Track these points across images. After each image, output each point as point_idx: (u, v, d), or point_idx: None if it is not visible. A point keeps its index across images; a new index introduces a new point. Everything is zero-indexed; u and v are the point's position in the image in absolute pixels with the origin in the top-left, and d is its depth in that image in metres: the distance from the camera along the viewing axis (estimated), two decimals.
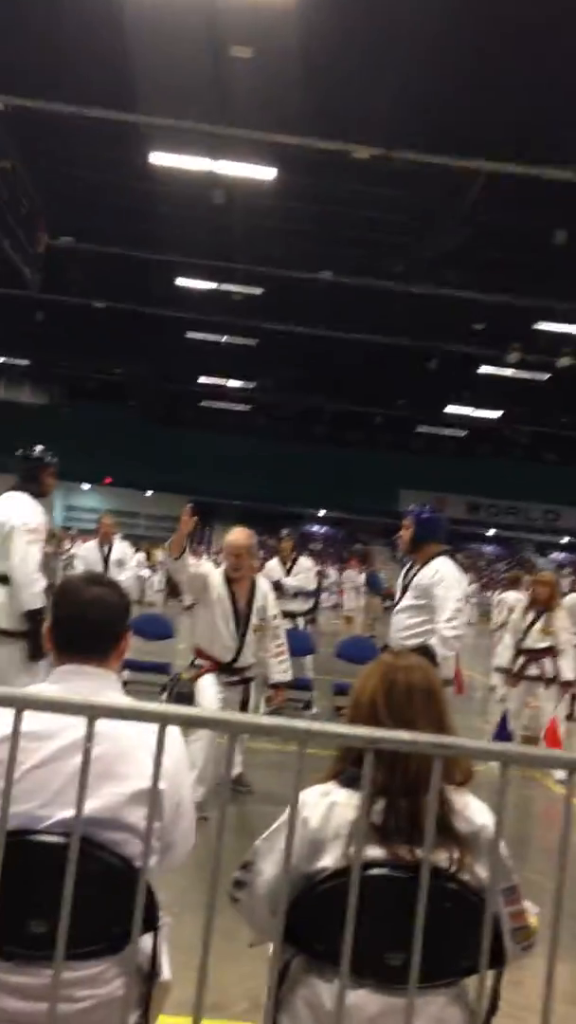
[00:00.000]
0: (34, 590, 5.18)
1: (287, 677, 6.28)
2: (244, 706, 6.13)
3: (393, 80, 12.08)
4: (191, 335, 27.11)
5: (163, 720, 1.70)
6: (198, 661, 6.02)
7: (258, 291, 21.49)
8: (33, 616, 5.13)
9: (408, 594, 5.55)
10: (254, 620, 5.95)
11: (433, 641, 5.30)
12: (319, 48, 11.46)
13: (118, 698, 2.12)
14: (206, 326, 25.88)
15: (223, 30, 11.12)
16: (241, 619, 5.90)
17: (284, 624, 6.57)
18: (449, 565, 5.57)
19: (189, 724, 1.76)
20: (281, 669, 6.19)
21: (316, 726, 1.76)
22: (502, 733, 7.67)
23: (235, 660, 5.94)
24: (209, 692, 5.84)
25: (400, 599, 5.63)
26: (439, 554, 5.62)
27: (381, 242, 18.47)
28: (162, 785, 1.96)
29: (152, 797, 1.71)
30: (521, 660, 8.03)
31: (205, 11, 10.70)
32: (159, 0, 10.50)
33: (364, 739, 1.76)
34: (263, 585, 6.22)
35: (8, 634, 5.24)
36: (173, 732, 2.09)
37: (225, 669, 5.95)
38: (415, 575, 5.58)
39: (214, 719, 1.80)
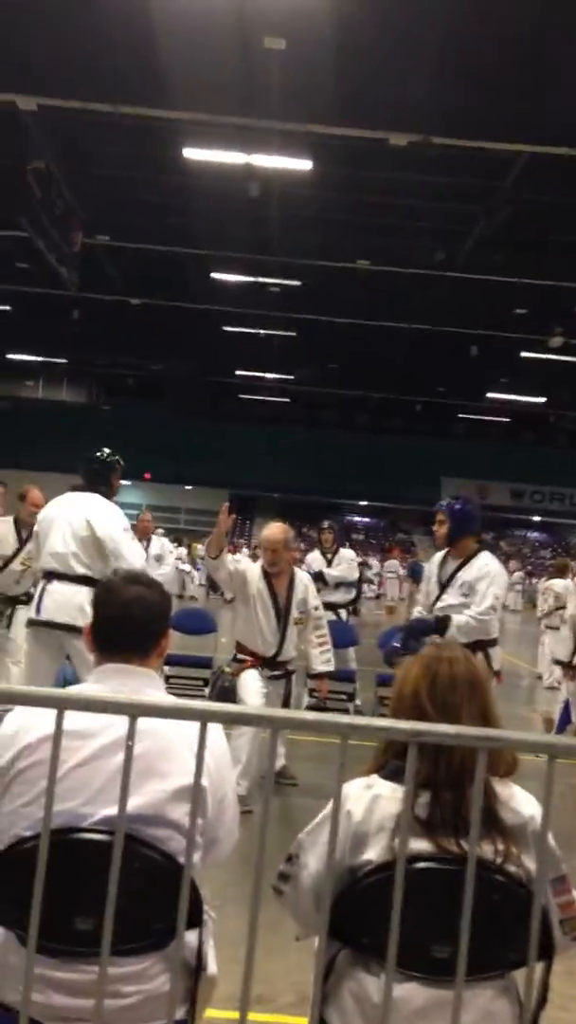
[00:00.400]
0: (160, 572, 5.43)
1: (330, 667, 6.30)
2: (287, 699, 6.14)
3: (428, 65, 11.96)
4: (228, 329, 27.16)
5: (204, 717, 1.70)
6: (240, 656, 6.05)
7: (296, 283, 21.45)
8: None
9: (451, 591, 5.52)
10: (295, 613, 5.98)
11: (456, 618, 5.36)
12: (352, 36, 11.37)
13: (160, 696, 2.13)
14: (244, 319, 25.93)
15: (254, 22, 11.07)
16: (281, 613, 5.93)
17: (326, 615, 6.57)
18: (494, 561, 5.62)
19: (230, 721, 1.75)
20: (323, 660, 6.21)
21: (358, 720, 1.75)
22: (564, 722, 7.64)
23: (277, 654, 5.97)
24: (252, 687, 5.87)
25: (440, 595, 5.57)
26: (479, 549, 5.64)
27: (420, 229, 18.33)
28: (204, 782, 1.96)
29: (194, 793, 1.71)
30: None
31: (236, 3, 10.66)
32: None
33: (407, 732, 1.75)
34: (302, 578, 6.24)
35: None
36: (215, 729, 2.09)
37: (267, 663, 5.98)
38: (457, 571, 5.55)
39: (256, 715, 1.80)
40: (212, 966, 2.15)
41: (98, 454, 5.91)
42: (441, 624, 5.40)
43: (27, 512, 7.11)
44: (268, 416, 41.49)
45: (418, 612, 5.92)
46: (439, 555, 5.81)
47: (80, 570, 5.41)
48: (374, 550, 40.27)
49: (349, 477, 40.65)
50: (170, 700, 2.09)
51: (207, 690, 8.18)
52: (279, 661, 6.00)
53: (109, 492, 5.77)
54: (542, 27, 11.11)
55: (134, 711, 1.65)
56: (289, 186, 16.05)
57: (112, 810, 1.77)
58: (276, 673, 6.03)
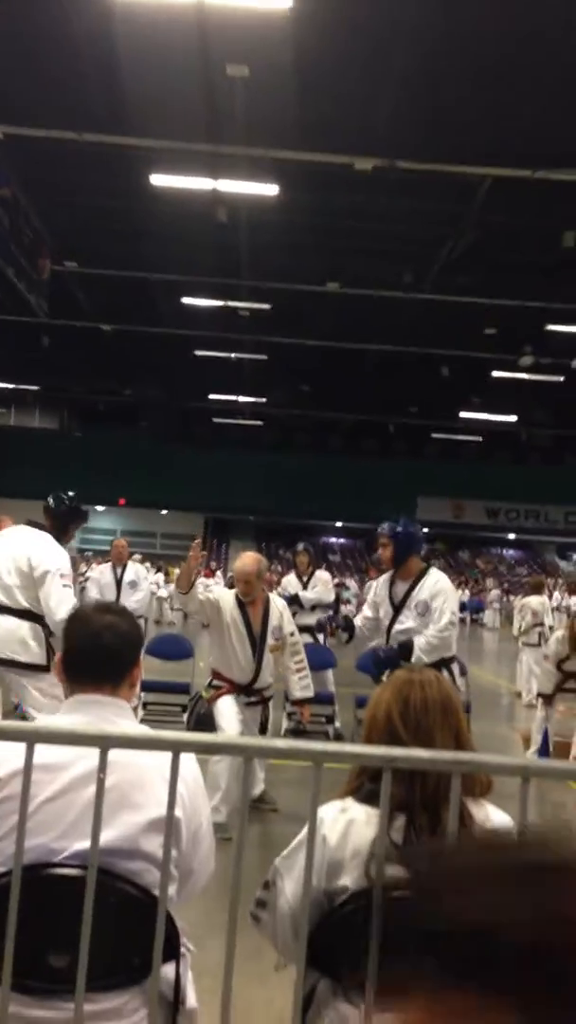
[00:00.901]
0: None
1: (309, 694, 6.23)
2: (264, 725, 6.10)
3: (392, 90, 12.12)
4: (200, 353, 27.24)
5: (176, 748, 1.69)
6: (216, 683, 6.01)
7: (266, 306, 21.55)
8: None
9: (407, 613, 5.58)
10: (270, 640, 5.92)
11: (417, 640, 5.41)
12: (314, 62, 11.51)
13: (131, 727, 2.11)
14: (215, 343, 26.01)
15: (217, 50, 11.18)
16: (256, 641, 5.89)
17: (302, 640, 6.46)
18: (444, 578, 5.70)
19: (203, 751, 1.74)
20: (302, 686, 6.14)
21: (332, 747, 1.76)
22: (544, 751, 7.70)
23: (253, 682, 5.93)
24: (228, 713, 5.83)
25: (396, 617, 5.61)
26: (426, 568, 5.72)
27: (387, 251, 18.49)
28: (178, 813, 1.94)
29: (168, 825, 1.70)
30: (558, 679, 8.12)
31: (197, 32, 10.75)
32: (151, 23, 10.55)
33: (382, 758, 1.75)
34: (277, 604, 6.19)
35: (30, 667, 5.35)
36: (188, 759, 2.07)
37: (243, 691, 5.94)
38: (409, 592, 5.61)
39: (229, 744, 1.79)
40: (191, 999, 2.12)
41: (65, 497, 5.85)
42: (404, 651, 5.45)
43: None
44: (242, 439, 41.56)
45: (376, 642, 5.92)
46: (384, 578, 5.86)
47: (24, 603, 5.38)
48: (351, 571, 40.30)
49: (324, 499, 40.72)
50: (142, 731, 2.07)
51: (185, 716, 8.13)
52: (255, 689, 5.95)
53: (64, 539, 5.74)
54: (504, 52, 11.29)
55: (105, 743, 1.64)
56: (256, 211, 16.15)
57: (85, 844, 1.75)
58: (252, 700, 5.98)
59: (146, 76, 11.80)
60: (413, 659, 5.36)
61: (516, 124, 12.78)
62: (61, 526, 5.76)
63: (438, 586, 5.56)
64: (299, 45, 10.99)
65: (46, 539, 5.58)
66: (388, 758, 1.73)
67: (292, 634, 6.11)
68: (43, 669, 5.34)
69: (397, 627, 5.58)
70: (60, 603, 5.30)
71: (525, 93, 12.10)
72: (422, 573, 5.65)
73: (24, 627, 5.33)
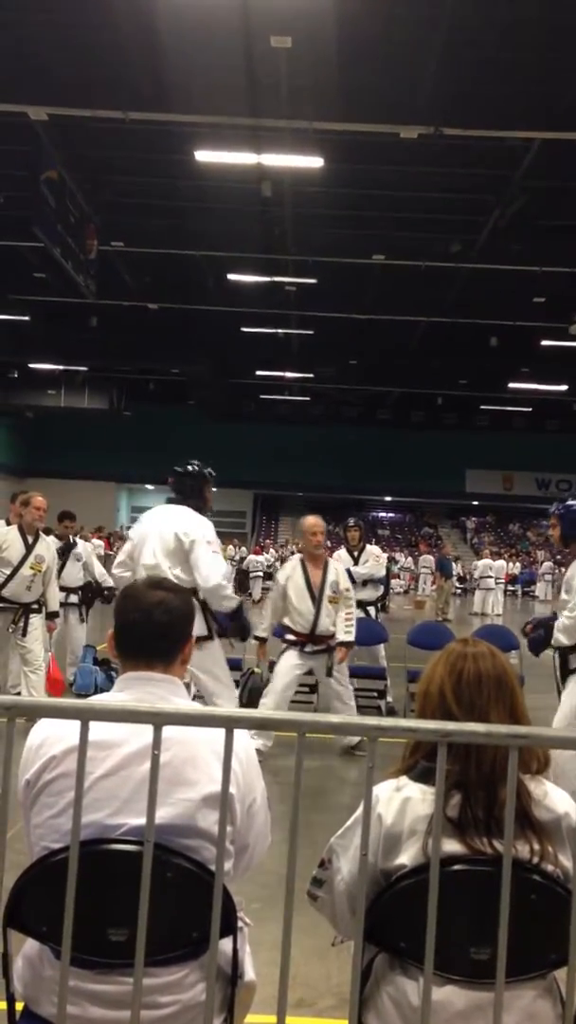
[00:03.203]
0: (227, 593, 5.57)
1: (350, 638, 7.09)
2: (330, 669, 6.99)
3: (435, 56, 11.90)
4: (246, 330, 27.16)
5: (230, 724, 1.68)
6: (287, 637, 7.02)
7: (312, 281, 21.40)
8: (236, 614, 5.64)
9: (563, 592, 5.58)
10: (328, 592, 6.90)
11: (557, 621, 5.45)
12: (357, 31, 11.33)
13: (184, 703, 2.11)
14: (262, 319, 25.90)
15: (260, 21, 11.05)
16: (316, 595, 6.88)
17: (356, 613, 7.36)
18: None
19: (256, 727, 1.74)
20: (345, 629, 7.01)
21: (386, 722, 1.73)
22: None
23: (313, 629, 6.88)
24: (281, 672, 6.89)
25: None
26: None
27: (434, 221, 18.24)
28: (232, 789, 1.94)
29: (223, 801, 1.70)
30: None
31: (240, 3, 10.64)
32: None
33: (436, 732, 1.73)
34: (335, 564, 7.21)
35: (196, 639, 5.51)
36: (241, 734, 2.07)
37: (307, 640, 6.91)
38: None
39: (282, 720, 1.78)
40: (249, 972, 2.14)
41: (189, 467, 6.05)
42: (549, 632, 5.52)
43: (31, 517, 7.22)
44: (290, 415, 41.46)
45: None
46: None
47: (179, 578, 5.45)
48: (400, 545, 40.17)
49: (373, 473, 40.57)
50: (195, 707, 2.08)
51: (238, 691, 8.17)
52: (317, 636, 6.90)
53: (202, 505, 5.92)
54: (548, 11, 11.02)
55: (159, 720, 1.64)
56: (301, 184, 16.02)
57: (141, 820, 1.76)
58: (318, 648, 6.95)
59: (189, 51, 11.70)
60: (553, 641, 5.43)
61: (562, 86, 12.49)
62: (194, 493, 5.94)
63: None
64: (341, 14, 10.83)
65: (187, 512, 5.77)
66: (443, 732, 1.70)
67: (348, 589, 7.12)
68: (206, 639, 5.57)
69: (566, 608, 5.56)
70: (211, 570, 5.48)
71: (571, 54, 11.81)
72: None
73: None
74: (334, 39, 11.33)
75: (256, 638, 7.08)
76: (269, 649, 7.20)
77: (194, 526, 5.62)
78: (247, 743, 2.13)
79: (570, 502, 5.68)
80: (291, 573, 7.00)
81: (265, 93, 12.64)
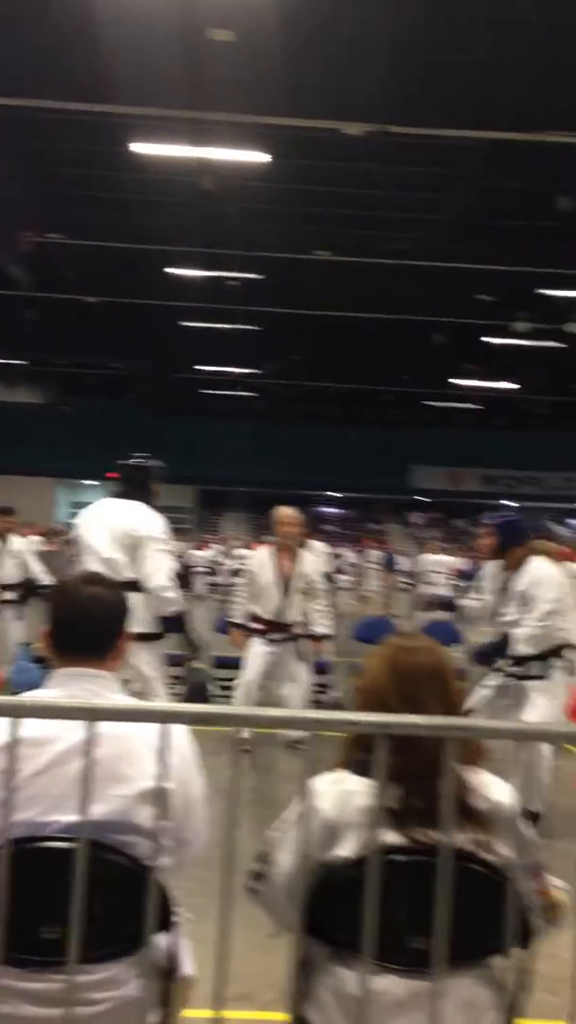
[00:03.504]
0: (170, 595, 5.35)
1: (327, 631, 7.20)
2: (301, 655, 7.14)
3: (381, 54, 11.95)
4: (190, 324, 27.03)
5: (165, 719, 1.67)
6: (252, 625, 7.11)
7: (257, 276, 21.37)
8: (176, 620, 5.41)
9: (512, 604, 5.57)
10: (299, 584, 7.03)
11: (516, 632, 5.45)
12: (301, 25, 11.34)
13: (119, 699, 2.08)
14: (205, 314, 25.83)
15: (201, 14, 11.01)
16: (284, 584, 7.01)
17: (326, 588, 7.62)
18: (543, 566, 5.63)
19: (193, 722, 1.73)
20: (322, 623, 7.12)
21: (325, 715, 1.74)
22: None
23: (281, 618, 7.01)
24: (252, 659, 7.01)
25: (502, 608, 5.63)
26: (527, 558, 5.66)
27: (379, 218, 18.34)
28: (169, 784, 1.93)
29: (158, 796, 1.68)
30: None
31: None
32: None
33: (374, 725, 1.73)
34: (308, 555, 7.31)
35: (145, 637, 5.28)
36: (179, 729, 2.05)
37: (272, 628, 7.02)
38: (512, 583, 5.59)
39: (220, 714, 1.77)
40: (187, 967, 2.12)
41: (133, 460, 5.84)
42: (501, 645, 5.53)
43: None
44: (235, 411, 41.42)
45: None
46: (496, 564, 5.84)
47: (127, 573, 5.28)
48: (346, 541, 40.33)
49: (318, 469, 40.64)
50: (131, 702, 2.05)
51: (179, 687, 8.13)
52: (284, 624, 7.03)
53: (151, 499, 5.72)
54: (495, 13, 11.13)
55: (93, 716, 1.62)
56: (245, 179, 15.98)
57: (74, 817, 1.73)
58: (284, 636, 7.05)
59: (128, 42, 11.61)
60: (511, 651, 5.46)
61: (508, 86, 12.63)
62: (143, 487, 5.72)
63: (537, 576, 5.52)
64: (284, 8, 10.82)
65: (139, 506, 5.57)
66: (381, 724, 1.70)
67: (319, 581, 7.25)
68: (155, 637, 5.39)
69: (503, 619, 5.60)
70: (155, 568, 5.32)
71: (517, 55, 11.95)
72: (524, 564, 5.61)
73: (132, 599, 5.27)
74: (277, 34, 11.31)
75: (231, 623, 7.22)
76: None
77: (147, 521, 5.47)
78: (184, 737, 2.11)
79: (506, 514, 5.82)
80: (263, 563, 7.14)
81: (207, 86, 12.59)
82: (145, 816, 1.88)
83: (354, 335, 28.08)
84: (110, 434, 38.14)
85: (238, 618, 7.14)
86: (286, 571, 7.04)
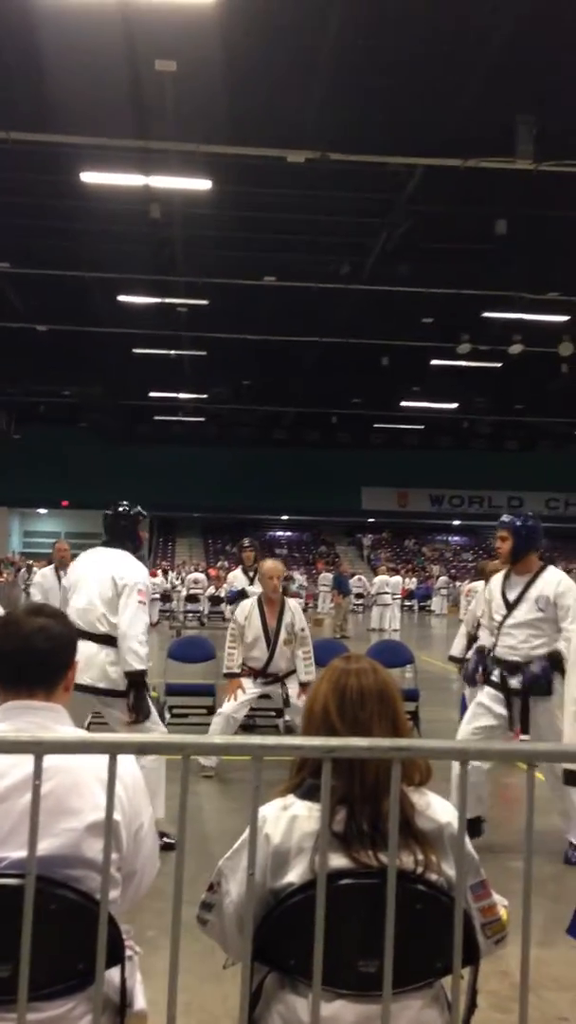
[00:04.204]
0: (139, 652, 5.23)
1: (311, 678, 7.13)
2: (287, 699, 7.28)
3: (321, 83, 12.14)
4: (139, 351, 27.03)
5: (112, 750, 1.67)
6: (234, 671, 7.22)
7: (204, 302, 21.46)
8: (136, 678, 5.24)
9: (523, 607, 5.45)
10: (284, 635, 7.12)
11: (560, 645, 5.31)
12: (242, 56, 11.49)
13: (66, 731, 2.08)
14: (154, 341, 25.85)
15: (144, 45, 11.10)
16: (271, 636, 7.13)
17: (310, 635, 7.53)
18: (563, 574, 5.57)
19: (140, 751, 1.73)
20: (306, 671, 7.19)
21: (270, 740, 1.75)
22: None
23: (266, 667, 7.18)
24: (230, 702, 7.06)
25: (510, 612, 5.51)
26: (543, 564, 5.60)
27: (323, 243, 18.53)
28: (117, 815, 1.93)
29: (107, 829, 1.68)
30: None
31: (123, 28, 10.67)
32: (76, 19, 10.44)
33: (320, 749, 1.75)
34: (291, 605, 7.39)
35: (110, 693, 5.26)
36: (127, 759, 2.05)
37: (259, 674, 7.21)
38: (527, 588, 5.48)
39: (166, 743, 1.78)
40: (140, 1001, 2.11)
41: (120, 507, 5.79)
42: (555, 661, 5.30)
43: None
44: (185, 436, 41.40)
45: (486, 635, 5.81)
46: (498, 576, 5.73)
47: (102, 628, 5.26)
48: (298, 564, 40.38)
49: (269, 493, 40.75)
50: (78, 734, 2.05)
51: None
52: (269, 672, 7.19)
53: (136, 546, 5.72)
54: (432, 41, 11.36)
55: (40, 749, 1.61)
56: (190, 206, 16.08)
57: (23, 852, 1.72)
58: (269, 679, 7.22)
59: (73, 72, 11.66)
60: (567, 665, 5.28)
61: (446, 114, 12.88)
62: (128, 535, 5.70)
63: (562, 585, 5.42)
64: (226, 39, 10.95)
65: (124, 556, 5.54)
66: (327, 748, 1.72)
67: (303, 629, 7.29)
68: (125, 695, 5.26)
69: (510, 622, 5.47)
70: (132, 620, 5.24)
71: (454, 83, 12.20)
72: (540, 569, 5.54)
73: (103, 651, 5.22)
74: (219, 64, 11.46)
75: (228, 675, 7.16)
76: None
77: (130, 571, 5.42)
78: (132, 768, 2.11)
79: (524, 517, 5.61)
80: (249, 614, 7.19)
81: (151, 116, 12.69)
82: (95, 849, 1.87)
83: (302, 359, 28.27)
84: (63, 462, 37.98)
85: (234, 668, 7.14)
86: (272, 622, 7.16)
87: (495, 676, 5.51)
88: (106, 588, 5.34)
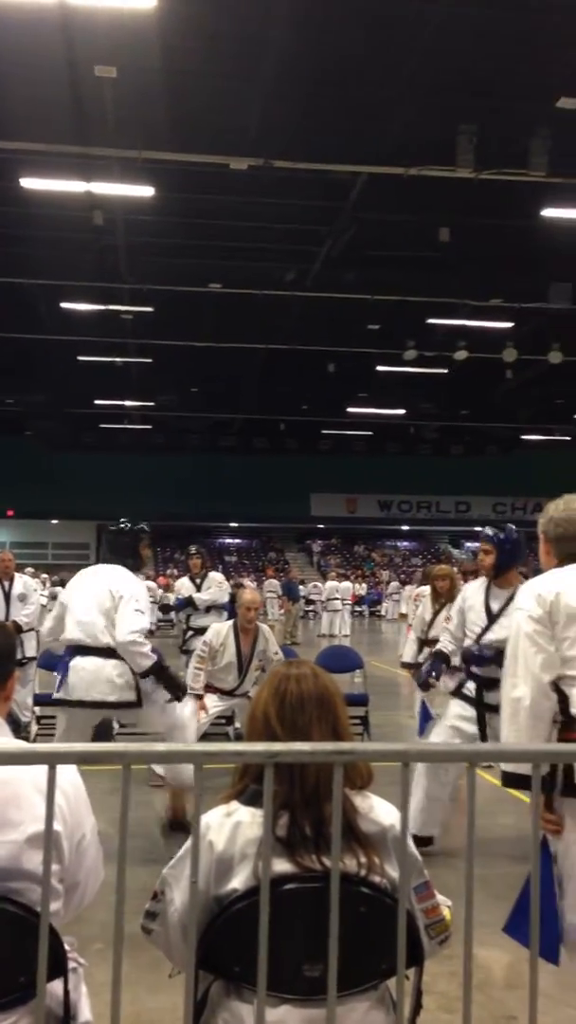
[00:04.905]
0: (141, 650, 5.24)
1: None
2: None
3: (263, 89, 12.17)
4: (84, 359, 26.83)
5: (51, 760, 1.65)
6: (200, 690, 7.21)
7: (148, 309, 21.37)
8: (158, 674, 5.32)
9: (505, 621, 5.22)
10: (255, 662, 7.18)
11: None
12: (183, 62, 11.48)
13: (4, 742, 2.05)
14: (99, 348, 25.68)
15: (83, 51, 11.05)
16: (244, 663, 7.16)
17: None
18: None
19: (80, 761, 1.71)
20: None
21: (212, 747, 1.74)
22: (424, 722, 7.63)
23: (235, 689, 7.22)
24: (192, 718, 6.76)
25: (489, 626, 5.46)
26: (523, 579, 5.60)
27: (268, 251, 18.56)
28: (58, 826, 1.91)
29: (47, 840, 1.66)
30: (427, 651, 7.97)
31: (62, 34, 10.61)
32: (15, 24, 10.35)
33: (263, 754, 1.75)
34: (265, 631, 7.40)
35: (121, 705, 5.30)
36: (67, 769, 2.03)
37: (227, 693, 7.26)
38: (509, 602, 5.29)
39: (107, 752, 1.76)
40: (85, 1014, 2.09)
41: (121, 524, 5.85)
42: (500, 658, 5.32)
43: None
44: (132, 444, 41.16)
45: (447, 640, 5.81)
46: (478, 584, 5.67)
47: (104, 640, 5.23)
48: (248, 571, 40.34)
49: (218, 500, 40.67)
50: (16, 745, 2.02)
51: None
52: (237, 694, 7.24)
53: (138, 564, 5.72)
54: (372, 49, 11.46)
55: None
56: (133, 213, 16.03)
57: None
58: (237, 693, 7.25)
59: (12, 78, 11.57)
60: None
61: (387, 122, 12.99)
62: (130, 552, 5.72)
63: None
64: (166, 45, 10.95)
65: (121, 571, 5.54)
66: (269, 753, 1.72)
67: (276, 654, 7.27)
68: (136, 704, 5.29)
69: (489, 636, 5.40)
70: (126, 624, 5.23)
71: (394, 90, 12.31)
72: (518, 583, 5.38)
73: (109, 665, 5.21)
74: (160, 70, 11.45)
75: (195, 696, 7.04)
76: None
77: (126, 584, 5.44)
78: (73, 777, 2.09)
79: (507, 532, 5.57)
80: (225, 640, 7.17)
81: (92, 122, 12.62)
82: (36, 862, 1.85)
83: (249, 366, 28.28)
84: (8, 471, 37.53)
85: (199, 690, 7.09)
86: (246, 649, 7.20)
87: (469, 690, 5.48)
88: (104, 600, 5.33)
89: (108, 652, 5.24)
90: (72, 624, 5.35)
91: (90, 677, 5.23)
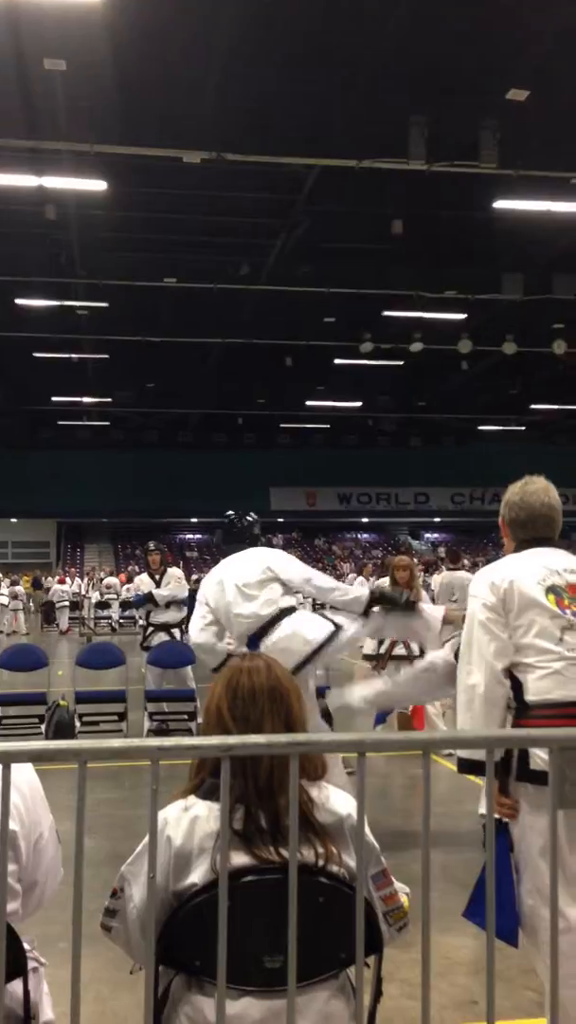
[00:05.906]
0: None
1: None
2: None
3: (214, 82, 12.13)
4: (39, 355, 26.57)
5: (6, 759, 1.64)
6: None
7: (103, 304, 21.22)
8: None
9: None
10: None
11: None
12: (133, 55, 11.41)
13: None
14: (55, 344, 25.44)
15: (32, 44, 10.94)
16: None
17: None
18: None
19: (35, 759, 1.70)
20: None
21: (168, 742, 1.74)
22: (380, 715, 7.68)
23: None
24: None
25: None
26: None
27: (223, 244, 18.52)
28: (14, 825, 1.89)
29: (3, 840, 1.65)
30: (387, 643, 8.01)
31: (10, 27, 10.49)
32: None
33: (218, 748, 1.75)
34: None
35: None
36: (24, 767, 2.02)
37: None
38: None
39: (62, 750, 1.75)
40: (47, 1013, 2.08)
41: (228, 516, 6.00)
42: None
43: None
44: (90, 441, 40.88)
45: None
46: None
47: (267, 611, 5.12)
48: (209, 566, 40.28)
49: (178, 495, 40.50)
50: None
51: (43, 726, 7.97)
52: None
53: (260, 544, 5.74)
54: (324, 43, 11.46)
55: None
56: (86, 207, 15.90)
57: None
58: None
59: None
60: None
61: (339, 115, 13.01)
62: (249, 536, 5.89)
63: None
64: (116, 38, 10.87)
65: (257, 549, 5.65)
66: (224, 747, 1.72)
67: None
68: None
69: None
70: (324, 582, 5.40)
71: (346, 84, 12.33)
72: None
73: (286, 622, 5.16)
74: (110, 63, 11.36)
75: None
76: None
77: (270, 556, 5.46)
78: (29, 776, 2.08)
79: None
80: None
81: (42, 115, 12.50)
82: None
83: (206, 360, 28.19)
84: None
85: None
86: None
87: None
88: (257, 573, 5.28)
89: (276, 618, 5.18)
90: (232, 620, 5.27)
91: (285, 644, 5.06)
